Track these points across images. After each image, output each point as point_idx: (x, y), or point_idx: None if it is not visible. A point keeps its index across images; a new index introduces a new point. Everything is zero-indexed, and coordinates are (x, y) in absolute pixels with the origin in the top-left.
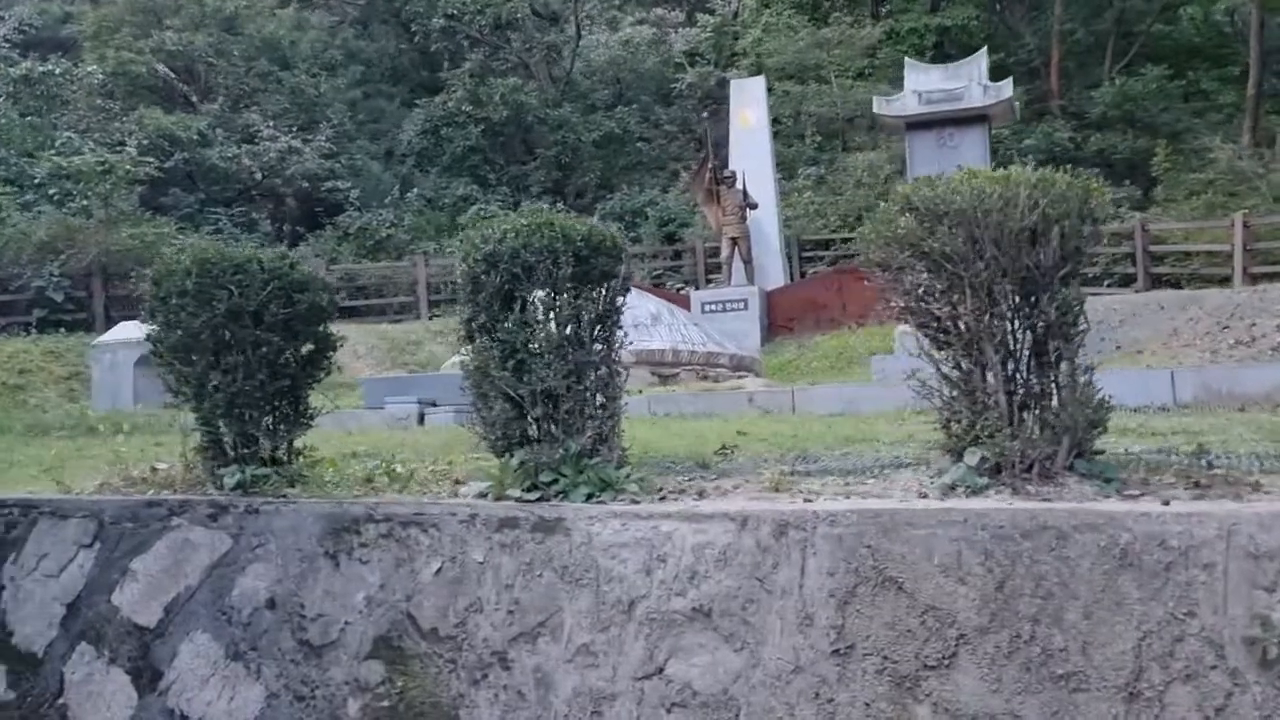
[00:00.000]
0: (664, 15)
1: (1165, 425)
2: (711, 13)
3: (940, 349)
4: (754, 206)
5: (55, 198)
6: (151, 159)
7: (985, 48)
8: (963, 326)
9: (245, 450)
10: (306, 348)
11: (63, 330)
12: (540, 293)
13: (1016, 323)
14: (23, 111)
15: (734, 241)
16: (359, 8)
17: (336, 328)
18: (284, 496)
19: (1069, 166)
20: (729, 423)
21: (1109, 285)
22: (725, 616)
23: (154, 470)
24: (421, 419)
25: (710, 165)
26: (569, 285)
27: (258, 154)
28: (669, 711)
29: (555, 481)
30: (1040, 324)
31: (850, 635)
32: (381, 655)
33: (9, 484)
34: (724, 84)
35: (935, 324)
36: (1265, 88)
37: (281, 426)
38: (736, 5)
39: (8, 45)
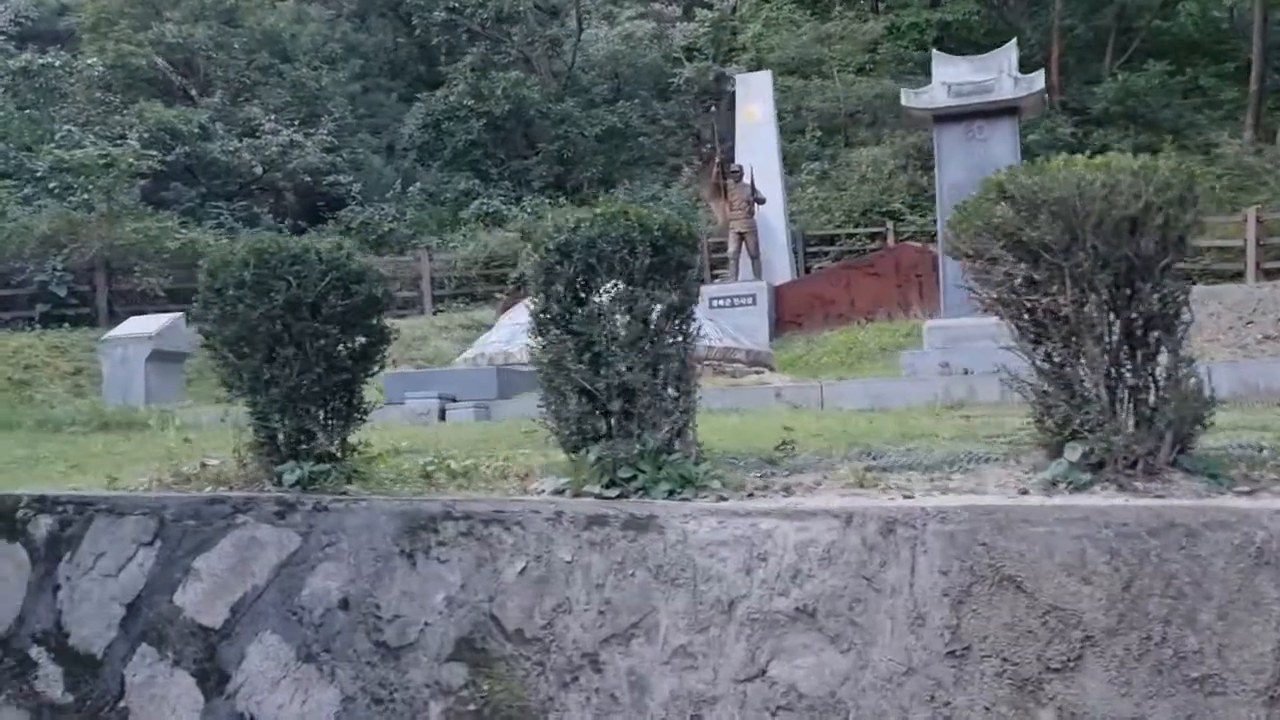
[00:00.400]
0: (661, 10)
1: (1225, 420)
2: (709, 7)
3: (1035, 342)
4: (761, 201)
5: (55, 191)
6: (155, 152)
7: (1015, 39)
8: (1061, 318)
9: (302, 446)
10: (360, 340)
11: (67, 325)
12: (616, 284)
13: (1115, 314)
14: (21, 104)
15: (741, 236)
16: (356, 1)
17: None
18: (344, 493)
19: None
20: (764, 418)
21: None
22: (831, 617)
23: (204, 466)
24: (443, 414)
25: (717, 160)
26: (648, 276)
27: (259, 148)
28: (774, 715)
29: (634, 478)
30: (1140, 315)
31: (966, 636)
32: (464, 657)
33: (39, 479)
34: (722, 79)
35: (1029, 316)
36: (1268, 84)
37: (337, 421)
38: (735, 0)
39: (3, 38)
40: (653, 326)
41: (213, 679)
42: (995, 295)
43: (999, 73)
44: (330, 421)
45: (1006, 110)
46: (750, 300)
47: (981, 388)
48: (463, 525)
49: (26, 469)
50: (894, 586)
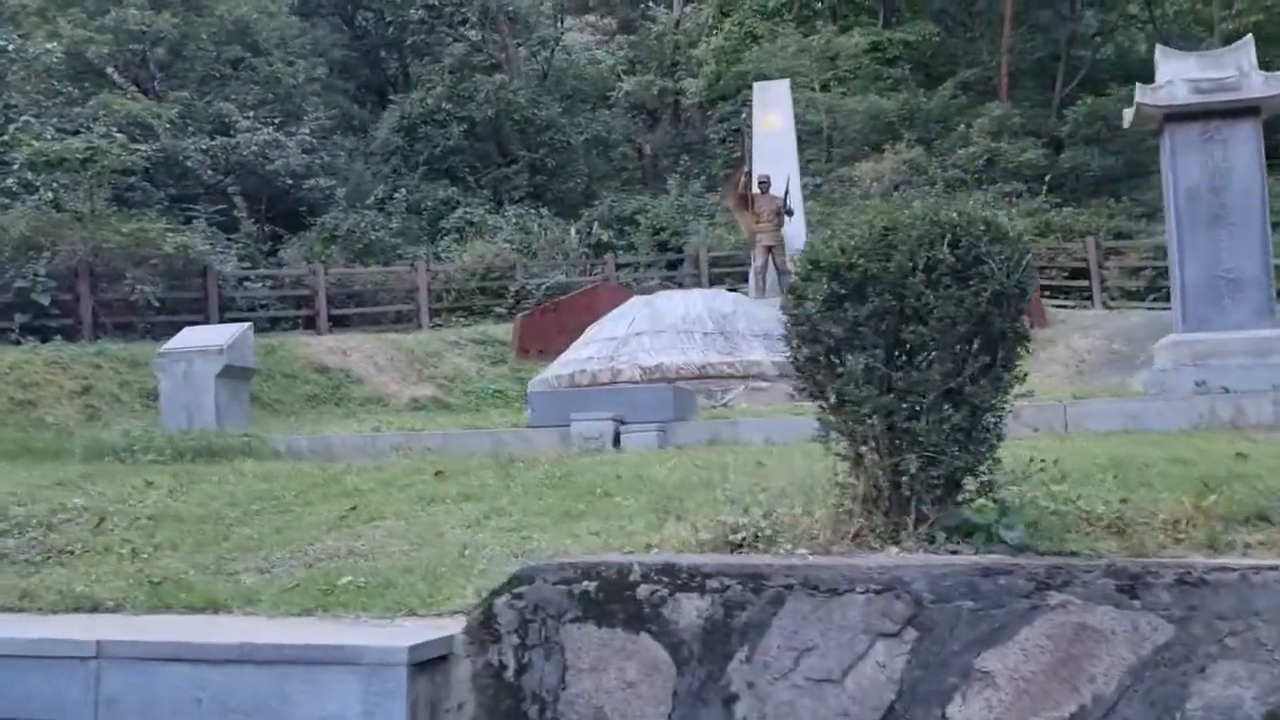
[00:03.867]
0: (595, 22)
1: None
2: (653, 20)
3: None
4: (790, 213)
5: (13, 189)
6: (143, 146)
7: (1250, 35)
8: None
9: (967, 488)
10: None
11: (60, 337)
12: None
13: None
14: None
15: (769, 250)
16: None
17: (340, 339)
18: (1075, 553)
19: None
20: (1094, 442)
21: (1154, 299)
22: None
23: (767, 515)
24: (616, 439)
25: (745, 169)
26: None
27: (235, 147)
28: None
29: None
30: None
31: None
32: None
33: (340, 532)
34: (665, 93)
35: None
36: None
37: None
38: (678, 14)
39: None
40: None
41: None
42: None
43: (1238, 69)
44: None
45: (1248, 110)
46: None
47: (1251, 409)
48: None
49: (277, 513)
50: None
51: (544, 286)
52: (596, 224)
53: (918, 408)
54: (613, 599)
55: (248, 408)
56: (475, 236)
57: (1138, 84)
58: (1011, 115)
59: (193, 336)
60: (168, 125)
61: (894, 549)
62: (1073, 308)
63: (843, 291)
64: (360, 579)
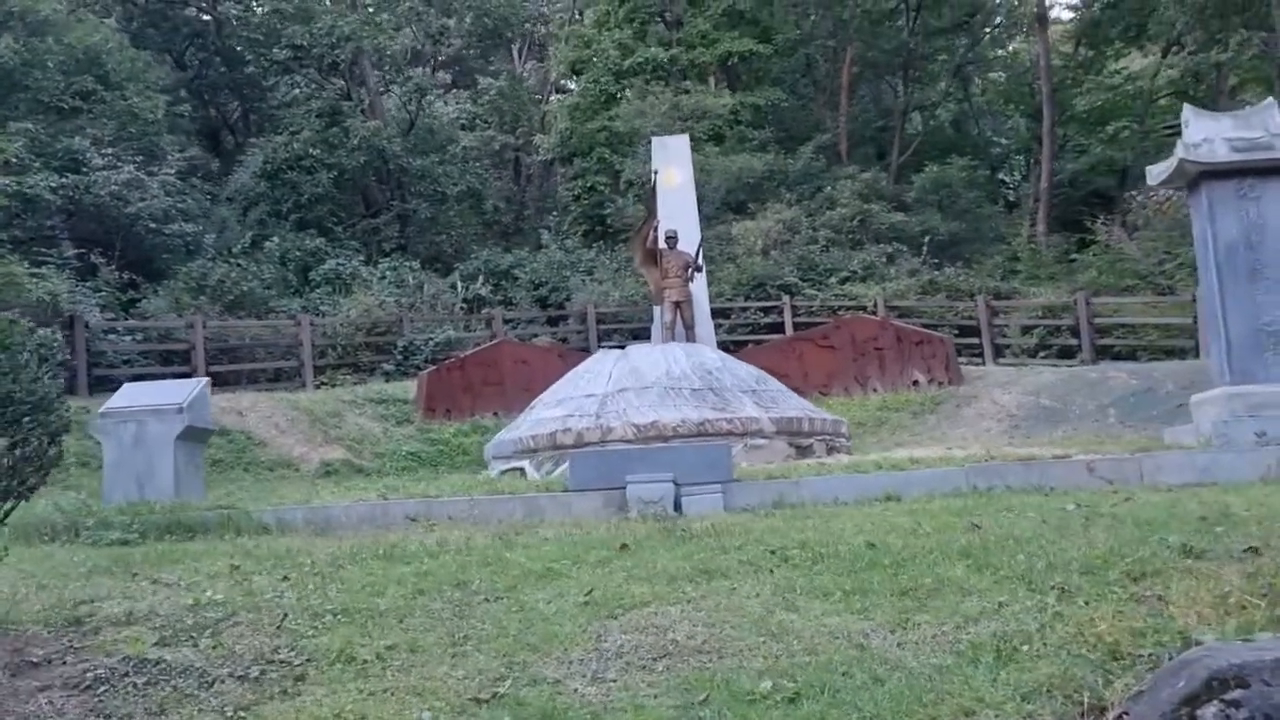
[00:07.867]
0: (431, 76)
1: None
2: (495, 76)
3: None
4: (700, 269)
5: None
6: (6, 180)
7: (1271, 99)
8: None
9: None
10: None
11: None
12: None
13: None
14: None
15: (677, 306)
16: (129, 31)
17: (231, 398)
18: None
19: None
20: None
21: (1045, 356)
22: None
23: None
24: (677, 504)
25: (654, 223)
26: None
27: (90, 185)
28: None
29: None
30: None
31: None
32: None
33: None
34: (507, 148)
35: None
36: (1057, 179)
37: None
38: (520, 71)
39: None
40: None
41: None
42: None
43: (1265, 130)
44: None
45: (1276, 169)
46: None
47: None
48: None
49: (487, 603)
50: None
51: (432, 342)
52: (462, 276)
53: None
54: None
55: (204, 475)
56: (350, 289)
57: (1179, 141)
58: (880, 179)
59: (139, 394)
60: (13, 160)
61: None
62: (966, 364)
63: None
64: (782, 684)
